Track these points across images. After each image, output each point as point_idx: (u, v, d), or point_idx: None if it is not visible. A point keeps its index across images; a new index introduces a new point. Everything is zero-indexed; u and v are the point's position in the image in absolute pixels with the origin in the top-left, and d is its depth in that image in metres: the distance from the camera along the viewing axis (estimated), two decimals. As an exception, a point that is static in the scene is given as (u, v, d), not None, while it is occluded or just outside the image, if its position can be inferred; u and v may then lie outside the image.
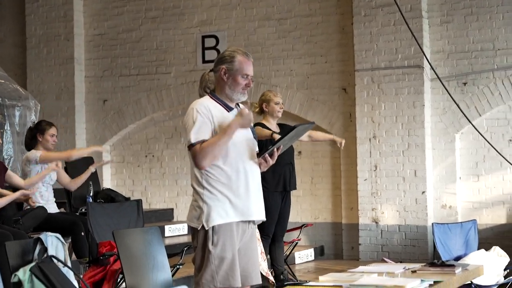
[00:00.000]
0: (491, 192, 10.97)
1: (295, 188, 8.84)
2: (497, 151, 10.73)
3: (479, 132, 10.81)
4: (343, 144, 8.91)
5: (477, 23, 10.98)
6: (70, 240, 8.01)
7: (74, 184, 8.88)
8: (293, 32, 12.00)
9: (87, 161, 10.40)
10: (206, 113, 5.06)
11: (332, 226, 11.80)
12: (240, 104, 5.27)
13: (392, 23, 11.19)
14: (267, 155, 5.16)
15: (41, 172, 8.27)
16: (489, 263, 8.57)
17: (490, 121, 11.00)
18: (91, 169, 8.85)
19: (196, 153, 4.96)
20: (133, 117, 12.95)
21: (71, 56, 13.10)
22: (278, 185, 8.47)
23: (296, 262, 10.86)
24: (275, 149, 5.18)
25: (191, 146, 4.99)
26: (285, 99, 11.60)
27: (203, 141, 4.97)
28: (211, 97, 5.21)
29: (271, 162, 5.20)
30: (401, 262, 9.18)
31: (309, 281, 7.05)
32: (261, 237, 8.07)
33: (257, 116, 8.30)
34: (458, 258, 8.68)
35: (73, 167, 9.65)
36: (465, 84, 11.04)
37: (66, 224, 8.02)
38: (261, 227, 7.87)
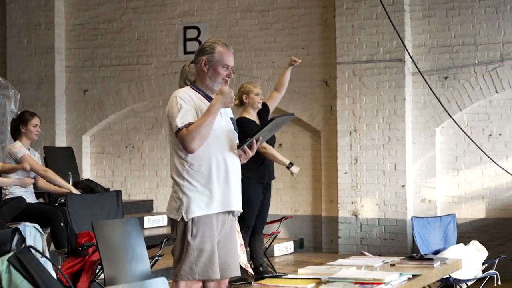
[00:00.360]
0: (470, 186, 11.01)
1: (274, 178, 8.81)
2: (477, 145, 10.77)
3: (459, 127, 10.84)
4: (297, 60, 8.72)
5: (458, 18, 11.00)
6: (48, 230, 7.97)
7: (44, 186, 8.68)
8: (275, 24, 11.99)
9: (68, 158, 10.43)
10: (189, 100, 5.08)
11: (312, 219, 11.81)
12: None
13: (374, 16, 11.20)
14: (246, 146, 5.16)
15: (15, 165, 8.18)
16: (468, 257, 8.61)
17: (471, 115, 11.03)
18: (66, 190, 8.52)
19: (184, 136, 4.95)
20: (113, 108, 12.90)
21: (51, 45, 13.02)
22: (262, 176, 8.45)
23: (275, 254, 10.87)
24: (254, 141, 5.18)
25: (178, 131, 4.98)
26: (267, 91, 11.58)
27: (189, 125, 4.96)
28: (192, 88, 5.21)
29: (251, 153, 5.21)
30: (380, 255, 9.19)
31: (288, 274, 7.06)
32: (241, 229, 8.06)
33: (236, 109, 8.29)
34: (437, 252, 8.72)
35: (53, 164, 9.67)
36: (446, 78, 11.06)
37: (45, 214, 7.98)
38: (242, 219, 7.86)
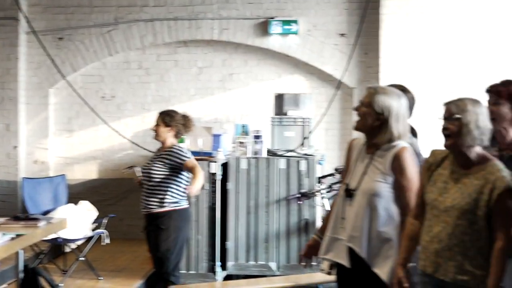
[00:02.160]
0: (83, 147, 11.13)
1: None
2: (90, 107, 10.90)
3: (73, 88, 10.90)
4: None
5: (75, -21, 11.03)
6: None
7: None
8: None
9: None
10: None
11: None
12: None
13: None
14: None
15: None
16: (77, 217, 8.75)
17: (85, 77, 11.12)
18: None
19: None
20: None
21: None
22: None
23: None
24: None
25: None
26: None
27: None
28: None
29: None
30: (-11, 217, 9.00)
31: None
32: None
33: None
34: (46, 212, 8.76)
35: None
36: (61, 39, 11.02)
37: None
38: None
